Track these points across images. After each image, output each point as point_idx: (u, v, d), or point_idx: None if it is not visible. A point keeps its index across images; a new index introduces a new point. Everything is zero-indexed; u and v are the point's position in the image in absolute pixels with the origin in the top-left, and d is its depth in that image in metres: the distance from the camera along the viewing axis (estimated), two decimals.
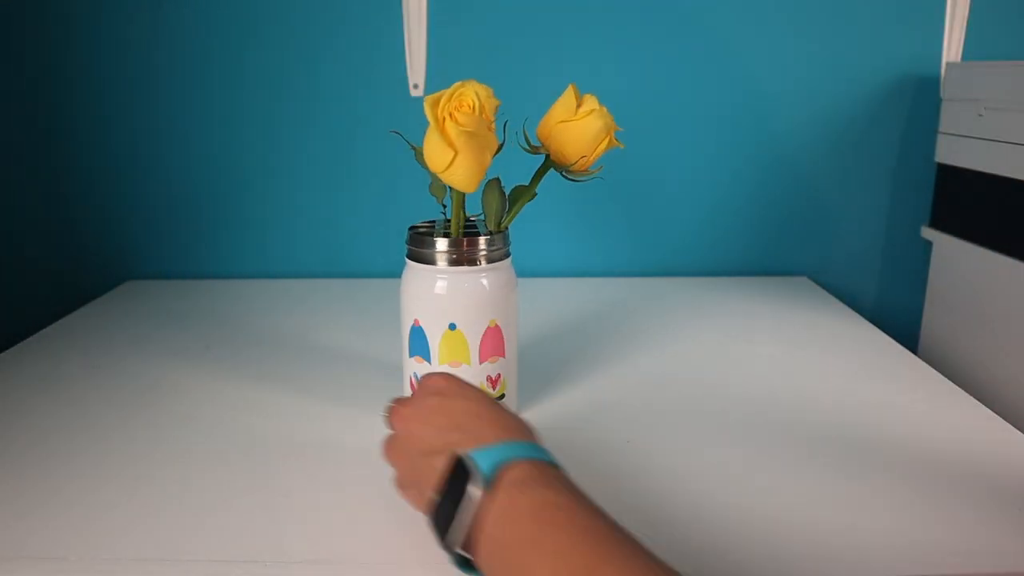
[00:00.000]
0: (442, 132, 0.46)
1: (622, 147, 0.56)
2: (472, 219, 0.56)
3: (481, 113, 0.47)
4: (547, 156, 0.55)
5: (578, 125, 0.52)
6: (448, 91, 0.46)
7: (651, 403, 0.60)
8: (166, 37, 0.87)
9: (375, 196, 0.92)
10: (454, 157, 0.47)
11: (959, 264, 0.81)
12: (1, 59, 0.88)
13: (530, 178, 0.55)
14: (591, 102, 0.53)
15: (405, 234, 0.54)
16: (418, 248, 0.53)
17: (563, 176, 0.55)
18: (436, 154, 0.47)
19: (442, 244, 0.52)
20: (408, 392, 0.56)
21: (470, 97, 0.46)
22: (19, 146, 0.91)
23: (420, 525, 0.44)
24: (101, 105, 0.89)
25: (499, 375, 0.55)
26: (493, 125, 0.50)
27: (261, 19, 0.87)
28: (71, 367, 0.67)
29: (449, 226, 0.54)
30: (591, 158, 0.54)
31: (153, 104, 0.90)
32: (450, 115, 0.46)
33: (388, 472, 0.50)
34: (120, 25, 0.87)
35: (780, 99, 0.90)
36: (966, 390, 0.62)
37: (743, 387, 0.63)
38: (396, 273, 0.56)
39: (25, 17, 0.87)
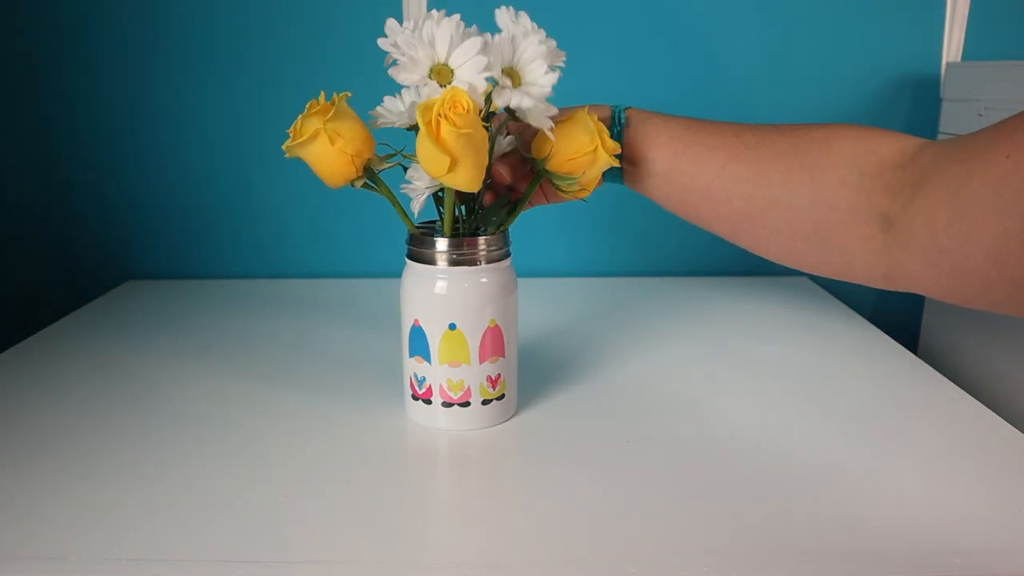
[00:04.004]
0: (437, 138, 0.46)
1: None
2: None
3: (476, 113, 0.47)
4: (541, 169, 0.54)
5: (587, 158, 0.52)
6: (440, 97, 0.46)
7: (651, 403, 0.60)
8: (166, 36, 0.87)
9: (375, 196, 0.91)
10: (455, 160, 0.46)
11: None
12: (1, 58, 0.88)
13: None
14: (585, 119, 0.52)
15: (405, 234, 0.54)
16: (418, 248, 0.53)
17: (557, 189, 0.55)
18: (433, 160, 0.47)
19: (442, 244, 0.52)
20: (408, 392, 0.56)
21: (464, 98, 0.46)
22: (19, 146, 0.91)
23: (420, 525, 0.44)
24: (101, 104, 0.90)
25: (499, 375, 0.55)
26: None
27: (262, 19, 0.87)
28: (71, 367, 0.67)
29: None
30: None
31: (154, 104, 0.90)
32: (444, 117, 0.46)
33: (388, 472, 0.50)
34: (120, 25, 0.87)
35: (779, 99, 0.90)
36: (966, 390, 0.62)
37: (743, 387, 0.63)
38: (396, 273, 0.56)
39: (26, 16, 0.87)
